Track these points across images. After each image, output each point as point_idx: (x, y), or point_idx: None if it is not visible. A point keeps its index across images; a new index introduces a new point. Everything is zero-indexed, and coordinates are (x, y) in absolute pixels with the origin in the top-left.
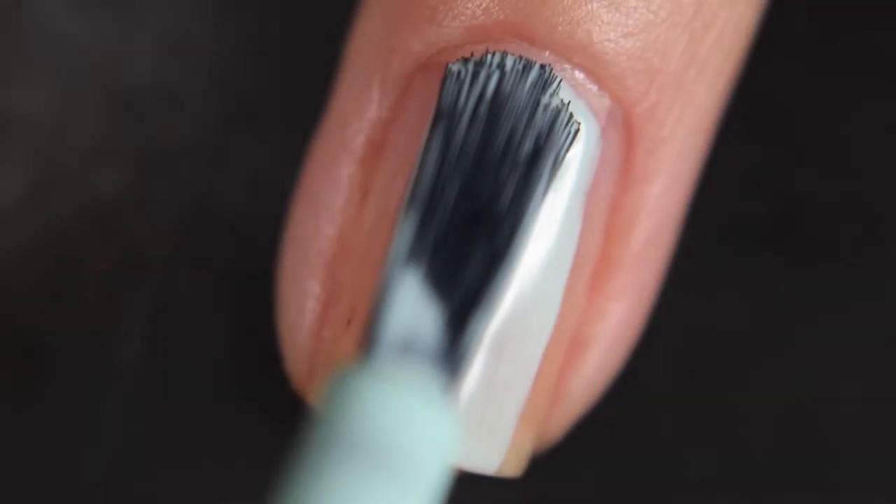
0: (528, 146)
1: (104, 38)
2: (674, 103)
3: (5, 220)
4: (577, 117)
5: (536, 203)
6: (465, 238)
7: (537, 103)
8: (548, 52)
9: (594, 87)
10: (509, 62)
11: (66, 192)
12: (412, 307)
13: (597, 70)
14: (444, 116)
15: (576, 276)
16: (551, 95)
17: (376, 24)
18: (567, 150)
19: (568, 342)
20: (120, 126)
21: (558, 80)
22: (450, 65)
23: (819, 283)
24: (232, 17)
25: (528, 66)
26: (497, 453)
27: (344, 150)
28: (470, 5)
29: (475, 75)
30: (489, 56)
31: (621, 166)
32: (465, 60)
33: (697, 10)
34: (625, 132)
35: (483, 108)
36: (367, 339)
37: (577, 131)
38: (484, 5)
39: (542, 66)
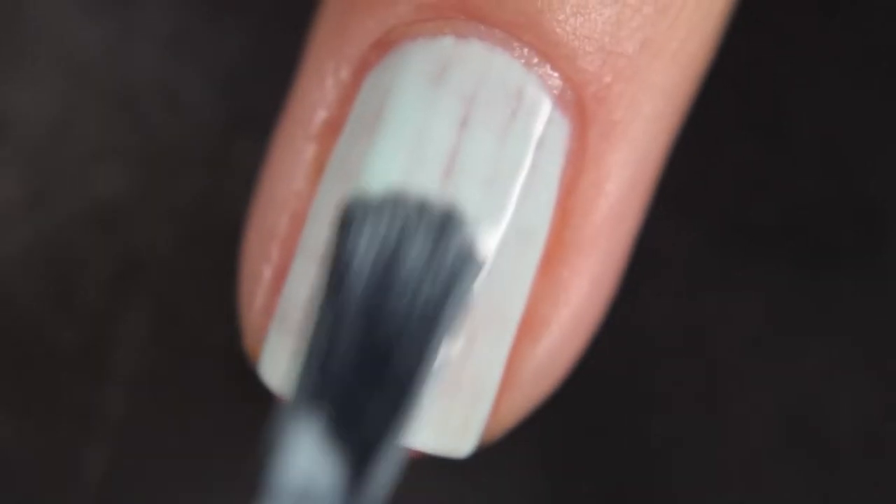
0: (434, 298)
1: (104, 38)
2: (629, 86)
3: (5, 220)
4: (533, 95)
5: (442, 348)
6: (365, 388)
7: (445, 249)
8: (497, 29)
9: (547, 68)
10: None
11: (66, 192)
12: (309, 456)
13: (547, 49)
14: (340, 269)
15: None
16: (456, 237)
17: (335, 8)
18: (472, 284)
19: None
20: (120, 126)
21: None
22: (348, 204)
23: (819, 283)
24: (232, 17)
25: (423, 210)
26: (470, 441)
27: (302, 128)
28: None
29: (375, 226)
30: (384, 204)
31: (576, 149)
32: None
33: None
34: (578, 114)
35: (381, 263)
36: (263, 487)
37: (482, 262)
38: None
39: (445, 213)
